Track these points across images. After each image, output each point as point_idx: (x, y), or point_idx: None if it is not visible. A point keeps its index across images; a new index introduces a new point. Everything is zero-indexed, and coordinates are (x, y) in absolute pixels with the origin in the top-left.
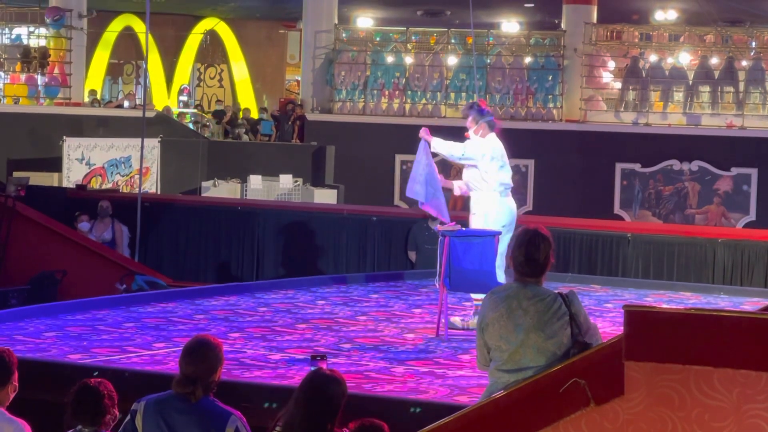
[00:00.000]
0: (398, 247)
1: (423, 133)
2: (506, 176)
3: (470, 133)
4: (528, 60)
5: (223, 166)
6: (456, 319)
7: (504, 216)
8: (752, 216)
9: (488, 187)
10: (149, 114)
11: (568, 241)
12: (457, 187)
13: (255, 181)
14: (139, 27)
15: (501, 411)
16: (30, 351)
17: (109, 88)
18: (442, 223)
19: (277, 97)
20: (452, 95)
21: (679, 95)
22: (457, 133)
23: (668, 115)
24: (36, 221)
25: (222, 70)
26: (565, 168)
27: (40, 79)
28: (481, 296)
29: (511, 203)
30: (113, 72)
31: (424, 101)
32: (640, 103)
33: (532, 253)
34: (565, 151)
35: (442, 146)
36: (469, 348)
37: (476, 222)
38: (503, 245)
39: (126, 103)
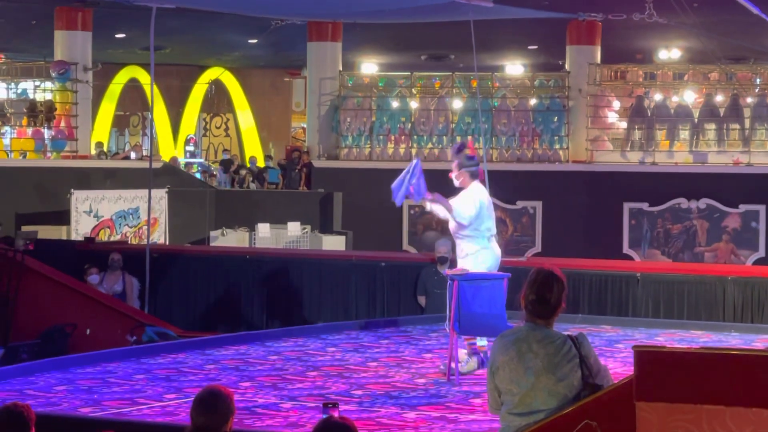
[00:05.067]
0: (407, 292)
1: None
2: (492, 223)
3: (453, 175)
4: (533, 102)
5: (230, 215)
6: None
7: (490, 258)
8: (761, 252)
9: (478, 234)
10: (156, 165)
11: (578, 282)
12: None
13: (263, 229)
14: (145, 78)
15: None
16: (41, 405)
17: (115, 139)
18: (448, 265)
19: (284, 144)
20: (458, 139)
21: (684, 133)
22: None
23: (675, 154)
24: (45, 275)
25: (228, 119)
26: (573, 209)
27: (46, 133)
28: (478, 340)
29: (496, 248)
30: (119, 124)
31: (430, 145)
32: (646, 142)
33: (544, 294)
34: (572, 192)
35: (440, 210)
36: (480, 392)
37: (466, 264)
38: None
39: (133, 155)
